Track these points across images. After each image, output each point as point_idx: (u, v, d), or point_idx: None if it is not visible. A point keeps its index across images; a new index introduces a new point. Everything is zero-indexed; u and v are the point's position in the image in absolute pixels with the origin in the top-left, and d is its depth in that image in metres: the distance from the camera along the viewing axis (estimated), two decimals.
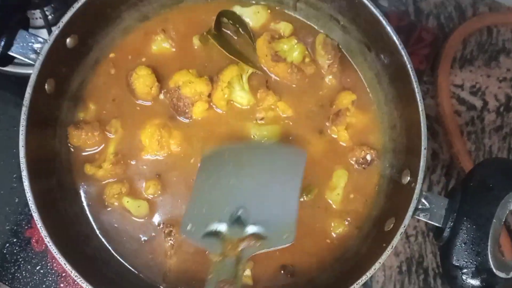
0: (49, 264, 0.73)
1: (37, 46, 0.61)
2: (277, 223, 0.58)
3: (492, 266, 0.55)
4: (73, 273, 0.54)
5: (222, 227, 0.58)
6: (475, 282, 0.55)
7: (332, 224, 0.67)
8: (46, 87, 0.62)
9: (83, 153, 0.67)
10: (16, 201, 0.75)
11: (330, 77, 0.70)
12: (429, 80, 0.87)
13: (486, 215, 0.56)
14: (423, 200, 0.59)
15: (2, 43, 0.60)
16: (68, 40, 0.63)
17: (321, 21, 0.72)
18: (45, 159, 0.63)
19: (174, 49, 0.70)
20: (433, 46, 0.87)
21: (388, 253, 0.57)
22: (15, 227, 0.75)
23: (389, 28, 0.61)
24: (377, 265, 0.56)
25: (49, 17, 0.80)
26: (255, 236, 0.57)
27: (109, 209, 0.65)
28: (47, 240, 0.55)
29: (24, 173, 0.57)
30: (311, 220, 0.66)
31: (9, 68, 0.75)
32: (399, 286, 0.79)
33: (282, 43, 0.69)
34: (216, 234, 0.58)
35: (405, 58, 0.61)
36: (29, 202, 0.56)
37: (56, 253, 0.55)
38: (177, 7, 0.71)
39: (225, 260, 0.55)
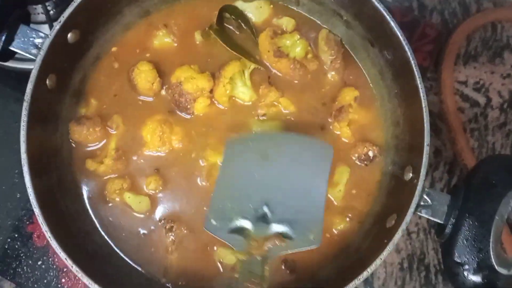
0: (50, 259, 0.73)
1: (38, 41, 0.61)
2: (303, 222, 0.57)
3: (494, 262, 0.55)
4: (74, 268, 0.54)
5: (247, 224, 0.57)
6: (477, 278, 0.55)
7: (334, 220, 0.67)
8: (47, 82, 0.61)
9: (85, 149, 0.67)
10: (18, 196, 0.75)
11: (333, 73, 0.70)
12: (433, 76, 0.87)
13: (489, 212, 0.56)
14: (425, 197, 0.58)
15: (3, 38, 0.60)
16: (69, 35, 0.62)
17: (324, 16, 0.71)
18: (46, 154, 0.63)
19: (176, 45, 0.70)
20: (436, 42, 0.87)
21: (389, 250, 0.57)
22: (17, 223, 0.75)
23: (392, 24, 0.61)
24: (378, 261, 0.56)
25: (51, 12, 0.80)
26: (281, 235, 0.56)
27: (110, 204, 0.65)
28: (48, 235, 0.55)
29: (25, 169, 0.57)
30: None
31: (10, 63, 0.75)
32: (400, 283, 0.79)
33: (284, 38, 0.69)
34: (241, 231, 0.57)
35: (409, 54, 0.60)
36: (30, 198, 0.56)
37: (57, 248, 0.55)
38: (179, 2, 0.71)
39: (251, 259, 0.54)
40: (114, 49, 0.69)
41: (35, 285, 0.73)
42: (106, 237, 0.65)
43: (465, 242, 0.55)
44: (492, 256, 0.55)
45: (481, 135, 0.86)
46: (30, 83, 0.58)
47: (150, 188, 0.65)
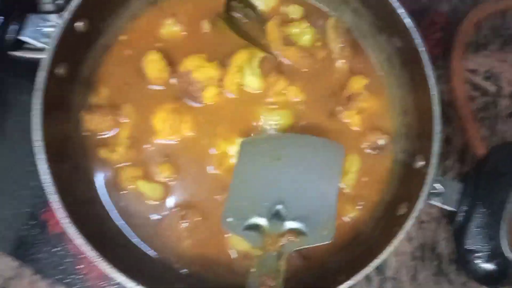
0: (67, 246, 0.74)
1: (47, 30, 0.61)
2: (316, 219, 0.58)
3: (505, 250, 0.55)
4: (90, 254, 0.55)
5: (262, 221, 0.58)
6: (489, 266, 0.55)
7: (345, 208, 0.67)
8: (58, 71, 0.62)
9: (97, 137, 0.67)
10: (32, 184, 0.76)
11: (342, 61, 0.70)
12: (442, 65, 0.86)
13: (500, 200, 0.56)
14: (437, 185, 0.58)
15: (13, 27, 0.61)
16: (78, 23, 0.63)
17: (332, 4, 0.71)
18: (59, 143, 0.63)
19: (184, 33, 0.70)
20: (446, 30, 0.86)
21: (401, 237, 0.57)
22: (33, 210, 0.76)
23: (401, 10, 0.60)
24: (389, 249, 0.56)
25: (58, 1, 0.80)
26: (295, 231, 0.58)
27: (124, 192, 0.66)
28: (64, 222, 0.55)
29: (39, 156, 0.58)
30: None
31: (21, 54, 0.76)
32: (412, 272, 0.79)
33: (293, 26, 0.69)
34: (256, 227, 0.59)
35: (418, 41, 0.60)
36: (46, 185, 0.57)
37: (74, 234, 0.56)
38: None
39: (266, 255, 0.56)
40: (122, 37, 0.69)
41: (53, 271, 0.74)
42: (120, 224, 0.65)
43: (477, 230, 0.55)
44: (503, 244, 0.55)
45: (492, 124, 0.85)
46: (42, 71, 0.59)
47: (163, 176, 0.66)
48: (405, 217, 0.58)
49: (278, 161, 0.62)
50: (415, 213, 0.56)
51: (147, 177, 0.66)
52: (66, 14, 0.60)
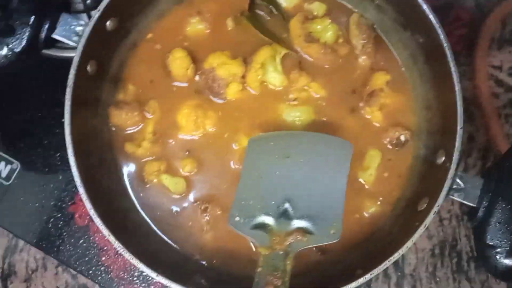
0: (91, 238, 0.77)
1: (79, 28, 0.63)
2: (324, 218, 0.58)
3: None
4: (116, 244, 0.57)
5: (270, 220, 0.58)
6: (509, 261, 0.55)
7: (365, 204, 0.67)
8: (88, 68, 0.64)
9: (124, 132, 0.69)
10: (60, 178, 0.79)
11: (364, 57, 0.70)
12: (466, 61, 0.85)
13: None
14: (458, 180, 0.58)
15: (46, 26, 0.63)
16: (107, 22, 0.65)
17: (355, 0, 0.71)
18: (88, 137, 0.66)
19: (208, 31, 0.71)
20: (470, 26, 0.85)
21: (421, 232, 0.57)
22: (59, 203, 0.78)
23: (425, 6, 0.60)
24: (409, 244, 0.57)
25: (87, 1, 0.82)
26: (302, 230, 0.57)
27: (148, 185, 0.68)
28: (92, 212, 0.58)
29: (69, 150, 0.60)
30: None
31: (53, 52, 0.79)
32: (431, 269, 0.79)
33: (315, 23, 0.69)
34: (263, 226, 0.58)
35: (442, 37, 0.60)
36: (74, 177, 0.59)
37: (100, 225, 0.58)
38: None
39: (273, 254, 0.56)
40: (149, 36, 0.71)
41: (77, 263, 0.76)
42: (144, 216, 0.67)
43: (498, 225, 0.55)
44: None
45: None
46: (72, 69, 0.61)
47: (185, 170, 0.68)
48: (425, 212, 0.58)
49: (287, 159, 0.61)
50: (435, 208, 0.57)
51: (171, 171, 0.68)
52: (96, 13, 0.62)
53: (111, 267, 0.76)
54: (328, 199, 0.59)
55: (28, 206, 0.78)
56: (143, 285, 0.76)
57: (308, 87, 0.69)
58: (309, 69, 0.70)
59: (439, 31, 0.60)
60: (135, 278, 0.76)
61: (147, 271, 0.57)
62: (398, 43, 0.70)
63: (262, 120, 0.69)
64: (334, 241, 0.57)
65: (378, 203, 0.68)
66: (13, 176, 0.79)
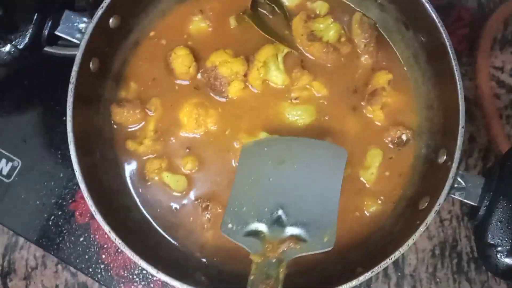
0: (91, 236, 0.77)
1: (82, 26, 0.63)
2: (317, 225, 0.57)
3: None
4: (116, 240, 0.57)
5: (262, 227, 0.58)
6: (510, 260, 0.55)
7: (366, 203, 0.68)
8: (90, 65, 0.64)
9: (125, 130, 0.70)
10: (61, 175, 0.79)
11: (366, 56, 0.70)
12: (468, 61, 0.85)
13: None
14: (459, 179, 0.58)
15: (50, 23, 0.63)
16: (110, 20, 0.65)
17: None
18: (89, 134, 0.66)
19: (211, 29, 0.71)
20: (472, 27, 0.85)
21: (421, 231, 0.57)
22: (60, 201, 0.78)
23: (427, 5, 0.61)
24: (410, 242, 0.57)
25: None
26: (295, 238, 0.57)
27: (149, 183, 0.68)
28: (93, 209, 0.58)
29: (71, 147, 0.60)
30: (344, 199, 0.66)
31: (56, 50, 0.79)
32: (431, 269, 0.79)
33: (318, 22, 0.69)
34: (256, 233, 0.58)
35: (444, 35, 0.60)
36: (76, 173, 0.59)
37: (101, 221, 0.58)
38: None
39: (266, 262, 0.55)
40: (152, 34, 0.71)
41: (77, 260, 0.76)
42: (145, 213, 0.68)
43: (499, 224, 0.55)
44: None
45: None
46: (75, 66, 0.61)
47: (187, 168, 0.68)
48: (426, 211, 0.58)
49: (281, 164, 0.61)
50: (436, 207, 0.57)
51: (172, 169, 0.68)
52: (99, 11, 0.62)
53: (111, 265, 0.76)
54: (321, 206, 0.58)
55: (29, 203, 0.78)
56: (142, 283, 0.76)
57: (310, 86, 0.70)
58: (311, 68, 0.70)
59: (442, 29, 0.60)
60: (135, 276, 0.76)
61: (148, 267, 0.57)
62: (400, 42, 0.70)
63: (264, 118, 0.69)
64: (328, 249, 0.56)
65: (379, 202, 0.68)
66: (14, 174, 0.79)
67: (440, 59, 0.62)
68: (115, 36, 0.67)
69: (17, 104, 0.82)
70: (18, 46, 0.61)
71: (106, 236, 0.76)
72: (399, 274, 0.78)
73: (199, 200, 0.67)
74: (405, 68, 0.71)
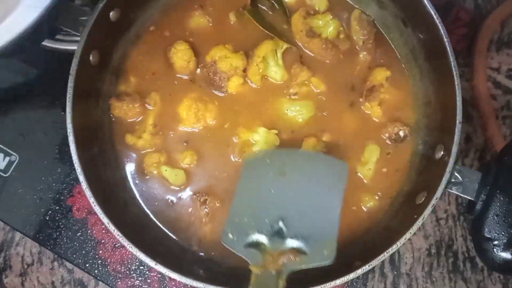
0: (88, 232, 0.76)
1: (82, 18, 0.63)
2: (318, 238, 0.57)
3: None
4: (115, 232, 0.57)
5: (263, 239, 0.58)
6: (506, 254, 0.55)
7: (363, 198, 0.68)
8: (90, 58, 0.64)
9: (124, 124, 0.70)
10: (59, 171, 0.79)
11: (365, 53, 0.71)
12: (465, 62, 0.86)
13: None
14: (456, 174, 0.59)
15: (51, 16, 0.63)
16: (111, 13, 0.65)
17: None
18: (89, 128, 0.66)
19: (211, 25, 0.72)
20: (469, 27, 0.86)
21: (419, 224, 0.57)
22: (57, 196, 0.78)
23: (426, 2, 0.61)
24: (407, 235, 0.57)
25: None
26: (296, 250, 0.57)
27: (148, 177, 0.68)
28: (92, 200, 0.58)
29: (70, 139, 0.60)
30: None
31: (53, 45, 0.79)
32: (427, 268, 0.79)
33: (317, 18, 0.70)
34: (257, 245, 0.58)
35: (442, 32, 0.61)
36: (75, 164, 0.59)
37: (99, 212, 0.58)
38: None
39: (266, 273, 0.55)
40: (152, 28, 0.72)
41: (74, 256, 0.76)
42: (143, 207, 0.68)
43: (495, 218, 0.56)
44: None
45: None
46: (75, 58, 0.61)
47: (185, 162, 0.68)
48: (423, 205, 0.59)
49: (283, 176, 0.61)
50: (433, 201, 0.57)
51: (170, 163, 0.68)
52: (100, 4, 0.62)
53: (108, 261, 0.75)
54: (322, 220, 0.58)
55: (26, 198, 0.78)
56: (139, 278, 0.75)
57: (309, 82, 0.70)
58: (310, 64, 0.70)
59: (440, 26, 0.61)
60: (132, 272, 0.75)
61: (146, 259, 0.57)
62: (398, 39, 0.71)
63: (263, 113, 0.70)
64: (328, 263, 0.56)
65: (377, 197, 0.68)
66: (12, 168, 0.79)
67: (438, 56, 0.62)
68: (115, 29, 0.68)
69: (14, 99, 0.82)
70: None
71: (103, 231, 0.76)
72: (395, 272, 0.78)
73: (198, 195, 0.67)
74: (403, 65, 0.71)
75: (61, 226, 0.77)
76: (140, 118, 0.70)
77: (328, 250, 0.56)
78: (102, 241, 0.76)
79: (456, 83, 0.59)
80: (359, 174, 0.69)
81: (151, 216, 0.67)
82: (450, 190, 0.59)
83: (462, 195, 0.58)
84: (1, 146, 0.80)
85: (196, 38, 0.71)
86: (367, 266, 0.56)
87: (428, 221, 0.78)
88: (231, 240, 0.58)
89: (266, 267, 0.56)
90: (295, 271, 0.56)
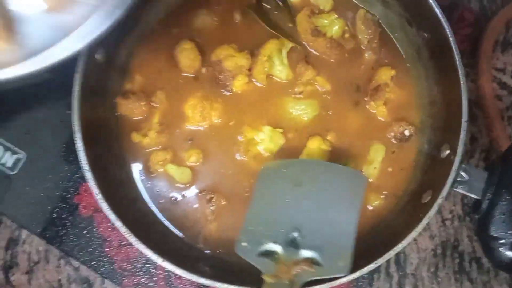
0: (95, 229, 0.77)
1: None
2: (333, 249, 0.56)
3: None
4: (122, 229, 0.58)
5: (277, 248, 0.57)
6: None
7: (369, 197, 0.68)
8: (96, 56, 0.65)
9: (130, 122, 0.70)
10: (65, 169, 0.79)
11: (370, 52, 0.71)
12: (470, 62, 0.86)
13: None
14: (462, 173, 0.59)
15: None
16: None
17: None
18: (95, 126, 0.66)
19: (216, 23, 0.72)
20: (475, 28, 0.86)
21: (425, 223, 0.57)
22: (64, 193, 0.78)
23: (431, 2, 0.61)
24: (413, 234, 0.57)
25: None
26: (310, 261, 0.56)
27: (154, 175, 0.69)
28: (99, 197, 0.58)
29: (77, 135, 0.60)
30: None
31: None
32: (433, 269, 0.78)
33: (322, 18, 0.70)
34: (270, 254, 0.57)
35: (448, 31, 0.61)
36: (81, 162, 0.59)
37: (106, 209, 0.58)
38: None
39: (278, 283, 0.54)
40: (157, 27, 0.72)
41: (80, 253, 0.76)
42: (149, 204, 0.68)
43: (502, 217, 0.55)
44: None
45: None
46: (82, 56, 0.61)
47: (191, 160, 0.68)
48: (429, 204, 0.59)
49: (299, 187, 0.60)
50: (439, 200, 0.57)
51: (176, 161, 0.68)
52: None
53: (115, 258, 0.76)
54: (338, 231, 0.58)
55: (33, 196, 0.78)
56: (146, 276, 0.75)
57: (314, 81, 0.70)
58: (315, 63, 0.71)
59: (445, 25, 0.61)
60: (138, 270, 0.76)
61: (153, 256, 0.57)
62: (403, 38, 0.71)
63: (268, 112, 0.70)
64: (343, 275, 0.55)
65: (382, 196, 0.68)
66: (19, 166, 0.79)
67: (443, 55, 0.62)
68: (121, 27, 0.67)
69: (22, 97, 0.83)
70: None
71: (109, 229, 0.76)
72: (401, 273, 0.78)
73: (203, 192, 0.67)
74: (408, 64, 0.71)
75: (68, 224, 0.77)
76: (146, 116, 0.70)
77: (343, 262, 0.55)
78: (109, 239, 0.76)
79: (461, 82, 0.59)
80: (364, 173, 0.68)
81: (157, 213, 0.68)
82: (456, 189, 0.58)
83: (468, 194, 0.58)
84: (8, 144, 0.80)
85: (202, 37, 0.72)
86: (373, 264, 0.56)
87: (434, 221, 0.78)
88: (245, 248, 0.58)
89: (279, 276, 0.55)
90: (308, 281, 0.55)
